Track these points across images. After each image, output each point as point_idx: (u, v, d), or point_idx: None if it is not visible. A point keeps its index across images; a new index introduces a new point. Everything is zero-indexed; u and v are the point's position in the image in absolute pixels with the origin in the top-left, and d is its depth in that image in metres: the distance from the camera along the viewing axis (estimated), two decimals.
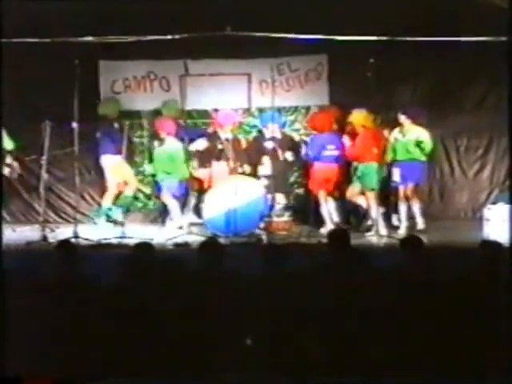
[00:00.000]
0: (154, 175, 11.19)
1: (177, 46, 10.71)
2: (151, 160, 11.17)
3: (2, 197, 10.89)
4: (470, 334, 5.55)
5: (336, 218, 10.66)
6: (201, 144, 10.95)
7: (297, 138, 11.42)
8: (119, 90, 11.68)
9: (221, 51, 11.18)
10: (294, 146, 11.08)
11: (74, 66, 9.83)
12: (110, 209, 11.21)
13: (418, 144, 10.30)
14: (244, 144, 11.15)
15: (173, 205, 10.89)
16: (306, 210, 10.97)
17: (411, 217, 10.45)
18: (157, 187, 11.23)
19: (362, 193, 10.48)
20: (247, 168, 10.83)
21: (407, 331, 5.55)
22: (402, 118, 10.42)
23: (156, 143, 11.10)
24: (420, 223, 10.35)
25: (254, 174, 10.78)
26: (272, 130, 10.84)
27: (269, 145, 10.76)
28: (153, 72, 11.67)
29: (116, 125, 11.16)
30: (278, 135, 10.89)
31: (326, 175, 10.64)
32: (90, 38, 10.69)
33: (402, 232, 10.23)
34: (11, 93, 10.65)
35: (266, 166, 10.69)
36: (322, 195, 10.62)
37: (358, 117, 10.53)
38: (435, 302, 5.65)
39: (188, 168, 10.71)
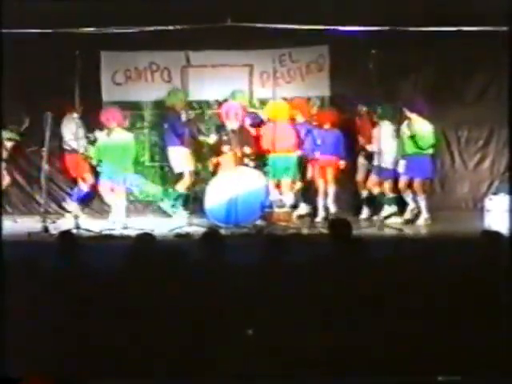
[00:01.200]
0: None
1: (178, 36, 10.71)
2: (98, 151, 10.66)
3: (1, 188, 10.90)
4: (471, 326, 5.54)
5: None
6: (211, 137, 10.91)
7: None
8: (120, 81, 11.66)
9: (222, 42, 11.18)
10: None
11: (74, 56, 9.83)
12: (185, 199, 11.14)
13: (412, 138, 10.33)
14: (253, 133, 11.03)
15: (118, 199, 10.63)
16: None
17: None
18: (99, 178, 10.84)
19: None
20: (250, 160, 10.76)
21: (408, 324, 5.55)
22: (408, 112, 10.43)
23: (101, 134, 10.65)
24: (424, 216, 10.38)
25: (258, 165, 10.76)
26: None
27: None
28: (154, 63, 11.65)
29: (183, 117, 11.09)
30: None
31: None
32: (91, 29, 10.68)
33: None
34: (12, 84, 10.66)
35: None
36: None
37: (273, 108, 10.61)
38: (436, 294, 5.65)
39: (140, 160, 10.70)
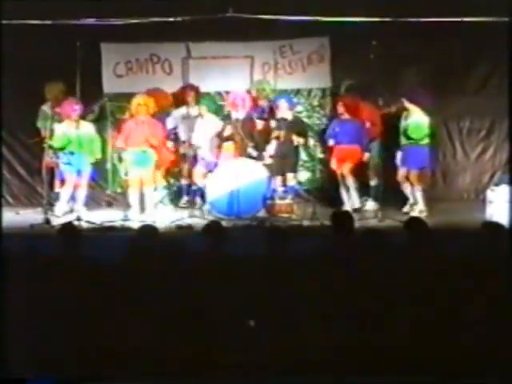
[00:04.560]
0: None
1: (179, 28, 10.70)
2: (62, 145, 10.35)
3: (1, 181, 10.90)
4: (472, 319, 5.54)
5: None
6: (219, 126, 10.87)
7: (306, 120, 11.39)
8: (121, 73, 11.63)
9: (223, 33, 11.14)
10: (302, 129, 10.92)
11: (75, 48, 9.81)
12: None
13: (406, 129, 10.31)
14: (259, 125, 10.90)
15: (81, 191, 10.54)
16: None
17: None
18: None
19: None
20: (253, 149, 10.72)
21: (409, 318, 5.55)
22: (406, 103, 10.39)
23: (67, 126, 10.37)
24: (420, 208, 10.35)
25: (260, 155, 10.73)
26: (283, 111, 10.74)
27: (275, 124, 10.64)
28: (155, 54, 11.62)
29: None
30: (289, 116, 10.80)
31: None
32: (91, 20, 10.67)
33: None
34: (13, 75, 10.65)
35: (273, 147, 10.63)
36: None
37: (135, 104, 10.52)
38: (437, 285, 5.65)
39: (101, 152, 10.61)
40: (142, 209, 10.49)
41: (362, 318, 5.54)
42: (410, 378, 5.32)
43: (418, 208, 10.35)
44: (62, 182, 10.60)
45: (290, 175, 10.72)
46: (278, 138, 10.60)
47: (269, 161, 10.54)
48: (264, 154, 10.60)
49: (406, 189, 10.52)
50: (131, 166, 10.43)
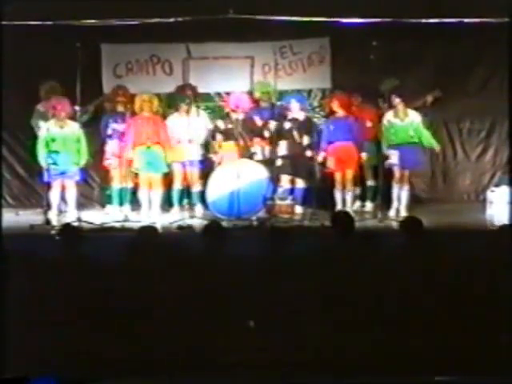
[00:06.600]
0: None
1: (179, 28, 10.71)
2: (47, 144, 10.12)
3: (1, 181, 10.89)
4: (472, 322, 5.53)
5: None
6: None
7: (317, 120, 11.34)
8: (121, 74, 11.64)
9: (223, 34, 11.15)
10: (312, 129, 10.89)
11: (75, 48, 9.81)
12: None
13: (407, 127, 10.27)
14: (259, 123, 10.91)
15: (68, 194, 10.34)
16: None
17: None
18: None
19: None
20: (259, 149, 10.74)
21: (410, 320, 5.54)
22: (397, 101, 10.31)
23: (52, 125, 10.23)
24: (403, 209, 10.30)
25: (265, 156, 10.74)
26: (295, 111, 10.72)
27: (287, 126, 10.66)
28: (156, 55, 11.63)
29: None
30: (301, 117, 10.79)
31: None
32: (92, 21, 10.68)
33: (393, 215, 10.28)
34: (13, 76, 10.65)
35: (283, 147, 10.63)
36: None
37: (140, 101, 10.58)
38: (437, 286, 5.65)
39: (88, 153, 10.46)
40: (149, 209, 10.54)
41: (362, 320, 5.54)
42: (410, 378, 5.31)
43: (401, 211, 10.28)
44: (48, 185, 10.31)
45: (299, 180, 10.70)
46: (288, 138, 10.59)
47: (280, 161, 10.55)
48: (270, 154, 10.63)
49: (394, 189, 10.44)
50: (142, 166, 10.46)
